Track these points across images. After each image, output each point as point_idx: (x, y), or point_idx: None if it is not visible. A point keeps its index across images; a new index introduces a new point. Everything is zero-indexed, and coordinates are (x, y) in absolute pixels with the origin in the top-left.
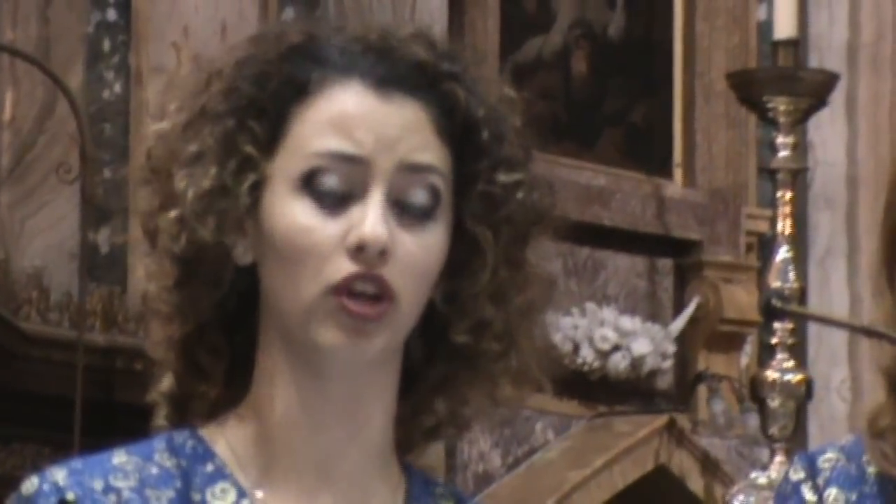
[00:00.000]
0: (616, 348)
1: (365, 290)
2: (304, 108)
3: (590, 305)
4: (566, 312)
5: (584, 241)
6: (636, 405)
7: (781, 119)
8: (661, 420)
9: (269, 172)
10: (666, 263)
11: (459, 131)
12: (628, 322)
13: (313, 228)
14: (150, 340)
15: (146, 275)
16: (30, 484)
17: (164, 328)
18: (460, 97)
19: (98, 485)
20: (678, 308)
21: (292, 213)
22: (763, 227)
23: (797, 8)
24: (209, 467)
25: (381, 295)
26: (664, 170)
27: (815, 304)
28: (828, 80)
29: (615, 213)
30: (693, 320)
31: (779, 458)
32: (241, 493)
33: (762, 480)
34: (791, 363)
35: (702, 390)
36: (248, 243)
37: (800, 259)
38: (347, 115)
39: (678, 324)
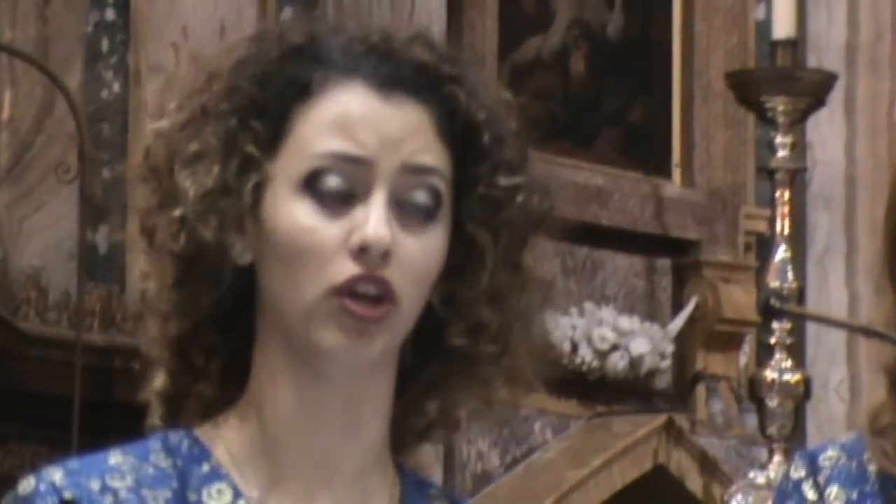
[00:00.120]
0: (614, 348)
1: (367, 292)
2: (307, 109)
3: (588, 305)
4: (564, 312)
5: (583, 241)
6: (634, 405)
7: (780, 119)
8: (660, 420)
9: (271, 172)
10: (664, 263)
11: (460, 134)
12: (627, 322)
13: (315, 229)
14: (145, 338)
15: (142, 273)
16: (26, 484)
17: (161, 326)
18: (461, 100)
19: (95, 485)
20: (676, 308)
21: (294, 213)
22: (761, 226)
23: (796, 8)
24: (205, 467)
25: (383, 297)
26: (662, 169)
27: (813, 304)
28: (826, 80)
29: (613, 213)
30: (691, 320)
31: (777, 458)
32: (238, 494)
33: (761, 480)
34: (789, 363)
35: (700, 390)
36: (246, 243)
37: (798, 259)
38: (350, 116)
39: (677, 323)
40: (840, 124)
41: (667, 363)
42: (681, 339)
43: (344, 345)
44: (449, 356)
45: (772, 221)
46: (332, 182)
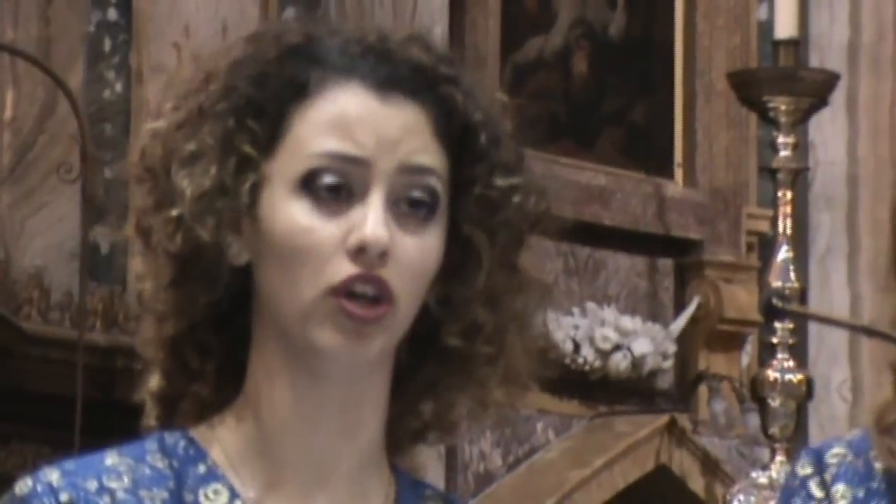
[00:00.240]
0: (617, 348)
1: (365, 292)
2: (304, 109)
3: (590, 305)
4: (567, 312)
5: (585, 241)
6: (637, 405)
7: (782, 119)
8: (662, 420)
9: (268, 173)
10: (666, 263)
11: (457, 135)
12: (629, 322)
13: (313, 229)
14: (141, 339)
15: (138, 274)
16: (23, 485)
17: (157, 327)
18: (458, 101)
19: (92, 485)
20: (679, 308)
21: (292, 213)
22: (764, 226)
23: (798, 7)
24: (201, 468)
25: (381, 297)
26: (665, 169)
27: (815, 304)
28: (828, 80)
29: (616, 213)
30: (693, 320)
31: (779, 458)
32: (234, 495)
33: (763, 480)
34: (791, 363)
35: (702, 390)
36: (243, 243)
37: (800, 259)
38: (348, 116)
39: (679, 323)
40: (842, 124)
41: (669, 363)
42: (683, 339)
43: (341, 345)
44: (444, 357)
45: (774, 221)
46: (330, 182)
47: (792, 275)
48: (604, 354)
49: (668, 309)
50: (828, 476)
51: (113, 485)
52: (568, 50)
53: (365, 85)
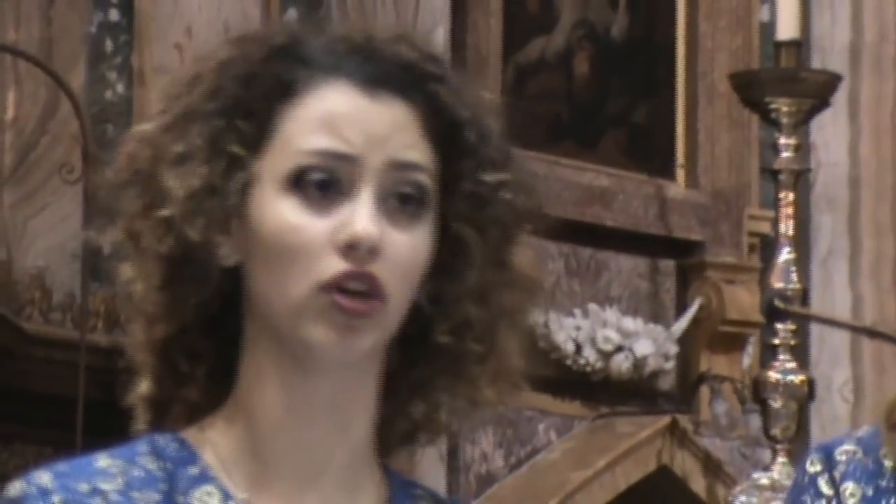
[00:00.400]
0: (618, 349)
1: (356, 289)
2: (292, 108)
3: (592, 306)
4: (568, 313)
5: (587, 242)
6: (638, 406)
7: (784, 120)
8: (664, 421)
9: (257, 172)
10: (668, 264)
11: (445, 132)
12: (630, 323)
13: (303, 226)
14: (131, 343)
15: (127, 278)
16: (16, 487)
17: (147, 330)
18: (445, 98)
19: (84, 487)
20: (680, 309)
21: (281, 211)
22: (765, 228)
23: (800, 9)
24: (193, 470)
25: (372, 293)
26: (666, 170)
27: (817, 305)
28: (830, 81)
29: (617, 214)
30: (695, 321)
31: (781, 459)
32: (227, 496)
33: (764, 481)
34: (793, 364)
35: (704, 391)
36: (233, 244)
37: (802, 260)
38: (336, 113)
39: (680, 325)
40: (844, 125)
41: (670, 364)
42: (684, 340)
43: (333, 340)
44: (435, 355)
45: (776, 223)
46: (318, 178)
47: (794, 276)
48: (605, 355)
49: (669, 310)
50: (837, 473)
51: (105, 486)
52: (570, 51)
53: (352, 83)
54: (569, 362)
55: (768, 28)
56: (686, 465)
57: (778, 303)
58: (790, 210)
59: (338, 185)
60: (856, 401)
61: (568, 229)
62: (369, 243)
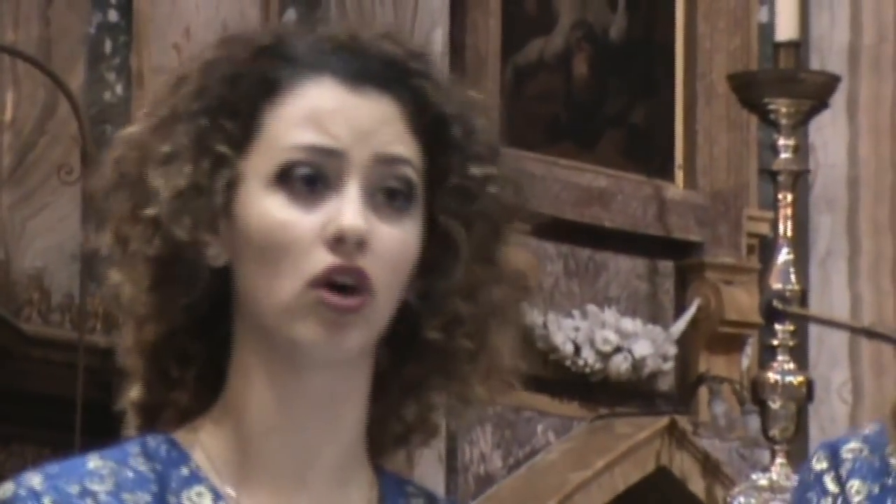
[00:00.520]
0: (617, 350)
1: (344, 282)
2: (277, 106)
3: (591, 307)
4: (567, 314)
5: (585, 243)
6: (637, 407)
7: (783, 121)
8: (662, 422)
9: (243, 171)
10: (667, 265)
11: (430, 128)
12: (629, 324)
13: (291, 222)
14: (120, 348)
15: (116, 282)
16: (6, 489)
17: (137, 333)
18: (431, 93)
19: (74, 489)
20: (679, 310)
21: (268, 208)
22: (764, 228)
23: (798, 10)
24: (185, 471)
25: (360, 287)
26: (665, 171)
27: (815, 306)
28: (829, 82)
29: (616, 215)
30: (694, 322)
31: (780, 460)
32: (218, 497)
33: (763, 482)
34: (792, 365)
35: (703, 392)
36: (221, 244)
37: (801, 261)
38: (321, 109)
39: (679, 325)
40: (843, 126)
41: (669, 365)
42: (683, 341)
43: (322, 338)
44: (425, 353)
45: (774, 223)
46: (305, 173)
47: (792, 277)
48: (604, 356)
49: (668, 311)
50: (843, 471)
51: (96, 488)
52: (569, 52)
53: (337, 79)
54: (567, 363)
55: (767, 29)
56: (685, 466)
57: (776, 304)
58: (789, 211)
59: (324, 180)
60: (854, 402)
61: (566, 230)
62: (357, 236)
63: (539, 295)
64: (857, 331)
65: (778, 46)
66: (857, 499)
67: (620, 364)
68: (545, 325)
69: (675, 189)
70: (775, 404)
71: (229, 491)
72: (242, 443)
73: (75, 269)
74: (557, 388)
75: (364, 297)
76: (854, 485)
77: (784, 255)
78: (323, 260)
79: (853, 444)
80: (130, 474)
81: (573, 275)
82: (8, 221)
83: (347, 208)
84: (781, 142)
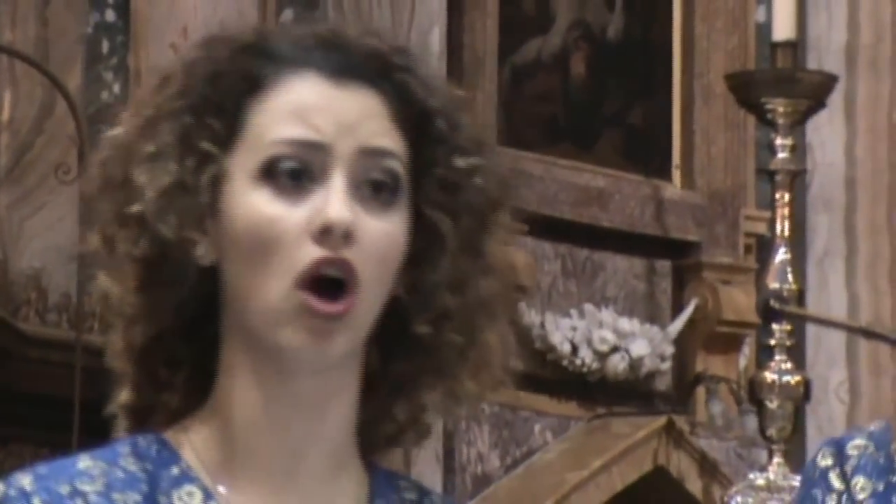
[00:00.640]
0: (614, 350)
1: (331, 275)
2: (261, 102)
3: (588, 307)
4: (565, 314)
5: (583, 243)
6: (635, 406)
7: (780, 121)
8: (660, 421)
9: (229, 168)
10: (664, 265)
11: (415, 120)
12: (627, 323)
13: (277, 216)
14: (109, 351)
15: (104, 285)
16: None
17: (126, 335)
18: (414, 87)
19: (65, 489)
20: (677, 309)
21: (255, 202)
22: (761, 228)
23: (796, 9)
24: (175, 470)
25: (346, 280)
26: (663, 171)
27: (813, 306)
28: (826, 82)
29: (614, 215)
30: (691, 322)
31: (777, 460)
32: (208, 496)
33: (760, 482)
34: (789, 365)
35: (700, 392)
36: (209, 242)
37: (798, 260)
38: (305, 103)
39: (677, 325)
40: (840, 126)
41: (667, 365)
42: (681, 340)
43: (307, 345)
44: (415, 349)
45: (772, 223)
46: (290, 167)
47: (790, 276)
48: (602, 356)
49: (665, 311)
50: (848, 468)
51: (86, 488)
52: (566, 51)
53: (320, 74)
54: (565, 363)
55: (764, 29)
56: (682, 466)
57: (774, 303)
58: (786, 211)
59: (310, 173)
60: (852, 401)
61: (564, 230)
62: (343, 228)
63: (536, 295)
64: (854, 330)
65: (775, 46)
66: (861, 495)
67: (618, 364)
68: (542, 325)
69: (673, 189)
70: (772, 404)
71: (220, 489)
72: (231, 442)
73: (73, 268)
74: (555, 388)
75: (350, 298)
76: (859, 481)
77: (781, 255)
78: (310, 253)
79: (858, 441)
80: (121, 474)
81: (571, 274)
82: (5, 221)
83: (333, 200)
84: (779, 141)
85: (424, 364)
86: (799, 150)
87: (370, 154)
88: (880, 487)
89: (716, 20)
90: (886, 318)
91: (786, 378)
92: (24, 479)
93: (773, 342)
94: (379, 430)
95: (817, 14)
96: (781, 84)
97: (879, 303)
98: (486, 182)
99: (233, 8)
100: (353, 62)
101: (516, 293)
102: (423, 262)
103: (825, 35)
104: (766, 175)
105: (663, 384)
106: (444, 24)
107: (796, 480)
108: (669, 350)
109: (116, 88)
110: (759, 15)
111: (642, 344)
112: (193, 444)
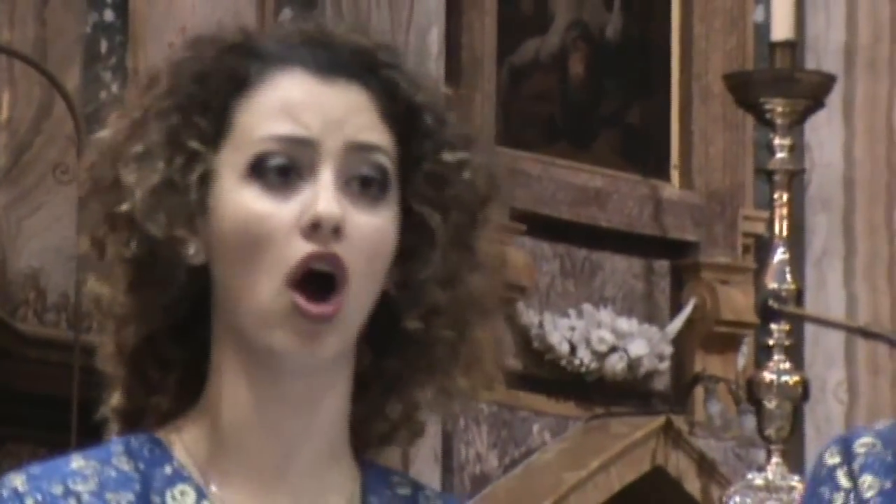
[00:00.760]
0: (613, 350)
1: (321, 269)
2: (248, 100)
3: (586, 307)
4: (563, 314)
5: (581, 243)
6: (633, 406)
7: (778, 121)
8: (658, 421)
9: (217, 166)
10: (663, 265)
11: (402, 116)
12: (625, 323)
13: (267, 213)
14: (101, 355)
15: (95, 287)
16: None
17: (116, 337)
18: (401, 83)
19: (57, 489)
20: (675, 309)
21: (243, 200)
22: (760, 228)
23: (794, 10)
24: (167, 470)
25: (337, 275)
26: (661, 171)
27: (811, 306)
28: (825, 82)
29: (612, 215)
30: (690, 322)
31: (775, 460)
32: (201, 495)
33: (759, 482)
34: (787, 365)
35: (698, 392)
36: (199, 242)
37: (796, 260)
38: (292, 100)
39: (675, 325)
40: (838, 126)
41: (665, 365)
42: (679, 340)
43: (296, 347)
44: (406, 346)
45: (770, 223)
46: (278, 163)
47: (788, 276)
48: (600, 356)
49: (664, 311)
50: (856, 466)
51: (79, 488)
52: (564, 51)
53: (307, 70)
54: (563, 363)
55: (763, 29)
56: (680, 466)
57: (772, 303)
58: (785, 211)
59: (298, 169)
60: (850, 401)
61: (562, 230)
62: (332, 222)
63: (535, 294)
64: (852, 330)
65: (774, 46)
66: (869, 494)
67: (616, 364)
68: (541, 325)
69: (671, 189)
70: (771, 404)
71: (212, 488)
72: (222, 441)
73: (71, 268)
74: (553, 388)
75: (339, 299)
76: (866, 480)
77: (780, 255)
78: (300, 249)
79: (866, 439)
80: (113, 474)
81: (569, 274)
82: (3, 221)
83: (322, 196)
84: (777, 141)
85: (416, 361)
86: (797, 150)
87: (358, 149)
88: (888, 485)
89: (714, 20)
90: (885, 318)
91: (784, 378)
92: (17, 480)
93: (771, 342)
94: (372, 429)
95: (816, 14)
96: (780, 84)
97: (878, 303)
98: (475, 177)
99: (231, 8)
100: (340, 58)
101: (510, 290)
102: (412, 257)
103: (823, 35)
104: (765, 175)
105: (662, 384)
106: (442, 24)
107: (795, 480)
108: (668, 350)
109: (115, 88)
110: (758, 15)
111: (641, 344)
112: (185, 443)
